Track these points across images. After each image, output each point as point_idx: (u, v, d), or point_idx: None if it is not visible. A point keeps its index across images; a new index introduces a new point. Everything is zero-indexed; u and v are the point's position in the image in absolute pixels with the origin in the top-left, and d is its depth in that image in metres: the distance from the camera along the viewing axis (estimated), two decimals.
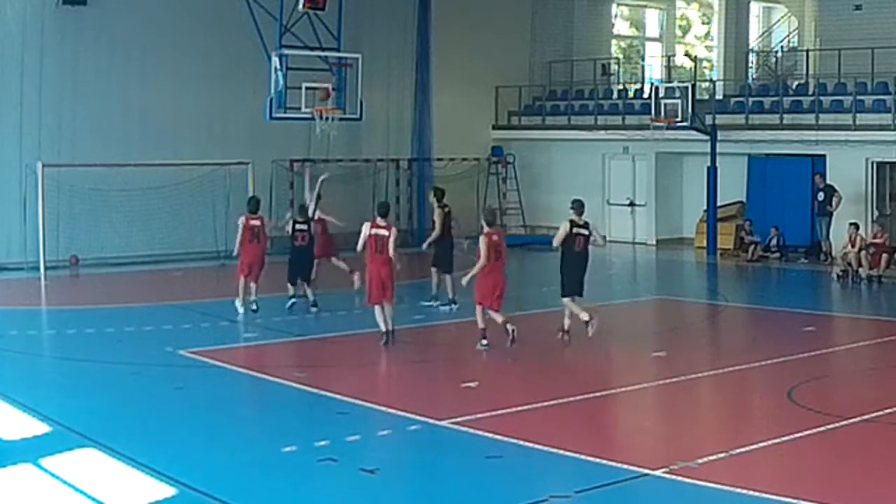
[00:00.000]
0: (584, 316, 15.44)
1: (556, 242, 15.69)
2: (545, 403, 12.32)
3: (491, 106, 32.30)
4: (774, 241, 26.38)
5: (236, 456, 10.33)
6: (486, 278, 15.31)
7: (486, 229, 15.48)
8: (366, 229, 15.57)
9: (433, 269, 18.79)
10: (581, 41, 33.39)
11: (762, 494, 8.90)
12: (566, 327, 15.75)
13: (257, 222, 18.11)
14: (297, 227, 18.52)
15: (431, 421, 11.39)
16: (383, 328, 15.50)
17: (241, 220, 18.11)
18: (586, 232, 15.60)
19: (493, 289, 15.27)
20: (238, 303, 17.99)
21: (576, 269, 15.65)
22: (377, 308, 15.54)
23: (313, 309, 18.26)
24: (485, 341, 15.35)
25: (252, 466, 10.01)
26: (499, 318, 15.28)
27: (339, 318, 17.41)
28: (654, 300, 21.60)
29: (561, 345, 15.68)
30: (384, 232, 15.50)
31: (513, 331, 15.11)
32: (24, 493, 9.26)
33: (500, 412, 11.75)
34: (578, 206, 15.51)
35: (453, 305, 18.26)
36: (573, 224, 15.49)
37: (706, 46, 38.92)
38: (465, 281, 15.66)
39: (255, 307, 17.93)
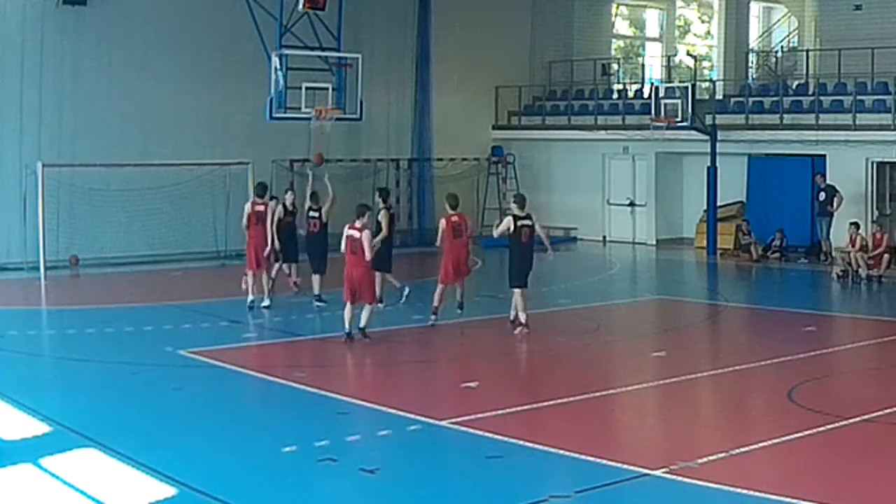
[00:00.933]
0: (522, 318, 16.05)
1: (496, 234, 16.46)
2: (545, 403, 12.33)
3: (491, 106, 32.26)
4: (777, 242, 26.33)
5: (236, 456, 10.32)
6: (447, 256, 16.72)
7: (448, 212, 16.83)
8: (345, 232, 15.74)
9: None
10: (581, 41, 33.37)
11: (762, 494, 8.89)
12: (521, 320, 16.13)
13: (261, 207, 18.48)
14: (310, 214, 18.89)
15: (431, 421, 11.39)
16: (346, 327, 15.65)
17: (247, 205, 18.66)
18: (530, 223, 16.16)
19: (454, 265, 16.66)
20: (250, 297, 18.33)
21: (523, 261, 16.23)
22: (349, 306, 15.67)
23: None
24: (434, 317, 16.70)
25: (252, 466, 10.01)
26: (457, 290, 16.89)
27: (339, 318, 17.38)
28: (654, 300, 21.58)
29: (560, 345, 15.68)
30: (356, 233, 15.53)
31: (461, 294, 17.03)
32: (24, 493, 9.26)
33: (500, 412, 11.75)
34: (520, 200, 16.43)
35: (381, 305, 18.29)
36: (517, 218, 16.11)
37: (707, 46, 38.88)
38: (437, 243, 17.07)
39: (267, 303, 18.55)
